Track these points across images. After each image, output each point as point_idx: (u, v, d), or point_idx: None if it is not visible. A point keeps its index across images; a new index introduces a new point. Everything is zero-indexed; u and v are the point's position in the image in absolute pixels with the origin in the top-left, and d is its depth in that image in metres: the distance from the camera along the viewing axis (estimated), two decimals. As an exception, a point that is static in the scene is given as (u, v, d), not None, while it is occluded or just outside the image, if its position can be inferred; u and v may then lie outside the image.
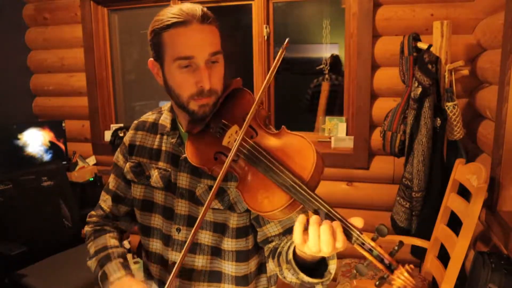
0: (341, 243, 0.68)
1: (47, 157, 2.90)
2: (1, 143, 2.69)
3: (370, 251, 0.68)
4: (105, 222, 1.16)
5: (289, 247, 0.87)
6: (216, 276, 1.04)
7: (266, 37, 2.72)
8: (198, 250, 1.03)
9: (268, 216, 0.78)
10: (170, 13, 0.89)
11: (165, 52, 0.90)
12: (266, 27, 2.71)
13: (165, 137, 1.06)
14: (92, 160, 3.17)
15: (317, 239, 0.68)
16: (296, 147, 0.79)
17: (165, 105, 1.12)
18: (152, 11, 3.05)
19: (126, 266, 1.02)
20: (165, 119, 1.07)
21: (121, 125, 3.14)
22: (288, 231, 0.98)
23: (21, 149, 2.75)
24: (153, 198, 1.07)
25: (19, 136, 2.74)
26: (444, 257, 1.80)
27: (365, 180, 2.59)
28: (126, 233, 1.20)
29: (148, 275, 1.14)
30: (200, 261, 1.03)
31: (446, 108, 2.01)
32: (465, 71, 2.08)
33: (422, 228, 2.06)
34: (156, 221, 1.07)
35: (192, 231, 0.82)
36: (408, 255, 2.19)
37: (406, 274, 0.67)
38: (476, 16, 2.24)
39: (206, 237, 1.02)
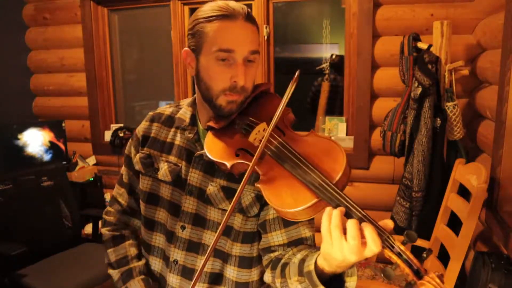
0: (376, 245, 0.64)
1: (47, 157, 2.90)
2: (1, 143, 2.69)
3: (399, 255, 0.66)
4: (123, 223, 1.17)
5: (304, 259, 0.83)
6: (217, 278, 1.03)
7: (266, 37, 2.72)
8: (201, 251, 1.02)
9: (289, 215, 0.76)
10: (217, 5, 0.91)
11: (205, 43, 0.91)
12: (266, 27, 2.71)
13: (180, 131, 1.06)
14: (92, 160, 3.18)
15: (340, 232, 0.66)
16: (326, 149, 0.79)
17: (184, 100, 1.12)
18: (152, 11, 3.07)
19: (148, 284, 1.05)
20: (184, 113, 1.06)
21: (121, 125, 3.14)
22: (293, 243, 0.96)
23: (21, 149, 2.75)
24: (159, 191, 1.06)
25: (19, 136, 2.74)
26: (444, 257, 1.80)
27: (365, 180, 2.59)
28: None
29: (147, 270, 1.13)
30: (202, 262, 1.01)
31: (446, 108, 2.01)
32: (465, 71, 2.08)
33: (422, 228, 2.06)
34: (161, 215, 1.06)
35: (216, 235, 0.82)
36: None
37: (437, 280, 0.65)
38: (476, 16, 2.24)
39: (210, 238, 1.01)
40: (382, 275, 0.67)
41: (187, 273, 1.03)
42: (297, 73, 0.83)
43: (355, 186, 2.61)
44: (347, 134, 2.67)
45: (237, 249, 1.01)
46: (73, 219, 2.58)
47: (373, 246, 0.64)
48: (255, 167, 0.83)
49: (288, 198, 0.75)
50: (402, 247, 0.66)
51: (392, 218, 2.22)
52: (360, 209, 0.69)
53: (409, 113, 2.07)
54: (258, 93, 0.97)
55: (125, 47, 3.27)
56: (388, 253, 0.66)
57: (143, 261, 1.10)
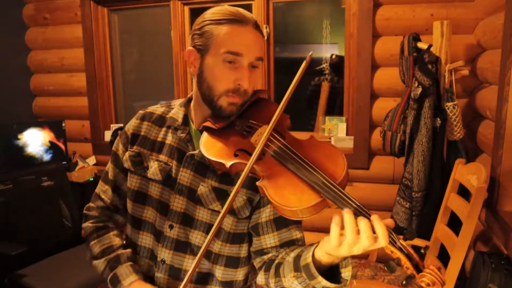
0: (384, 238, 0.69)
1: (47, 157, 2.90)
2: (1, 143, 2.68)
3: (400, 249, 0.72)
4: (106, 216, 1.15)
5: (299, 255, 0.86)
6: (204, 278, 1.03)
7: (266, 37, 2.72)
8: (188, 251, 1.02)
9: (290, 213, 0.78)
10: (227, 10, 0.94)
11: (213, 44, 0.93)
12: (266, 27, 2.71)
13: (171, 130, 1.06)
14: (92, 160, 3.17)
15: (355, 234, 0.70)
16: (328, 153, 0.84)
17: (176, 100, 1.13)
18: (152, 11, 3.07)
19: (137, 270, 1.03)
20: (177, 113, 1.07)
21: (121, 125, 3.14)
22: (286, 244, 0.98)
23: (21, 149, 2.75)
24: (148, 190, 1.06)
25: (19, 136, 2.74)
26: (444, 257, 1.80)
27: (365, 180, 2.59)
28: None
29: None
30: (189, 262, 1.02)
31: (446, 108, 2.01)
32: (465, 71, 2.08)
33: (422, 228, 2.06)
34: (149, 214, 1.06)
35: (208, 237, 0.82)
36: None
37: (437, 271, 0.70)
38: (476, 16, 2.24)
39: (197, 238, 1.01)
40: (385, 268, 0.74)
41: (174, 272, 1.03)
42: (309, 56, 0.87)
43: (355, 186, 2.61)
44: (347, 134, 2.67)
45: (226, 249, 1.01)
46: (73, 219, 2.58)
47: (383, 240, 0.69)
48: (254, 166, 0.85)
49: (291, 197, 0.78)
50: (403, 243, 0.72)
51: (392, 218, 2.22)
52: (362, 206, 0.74)
53: (409, 113, 2.07)
54: (255, 98, 0.99)
55: (125, 47, 3.27)
56: (390, 248, 0.72)
57: (129, 250, 1.08)
